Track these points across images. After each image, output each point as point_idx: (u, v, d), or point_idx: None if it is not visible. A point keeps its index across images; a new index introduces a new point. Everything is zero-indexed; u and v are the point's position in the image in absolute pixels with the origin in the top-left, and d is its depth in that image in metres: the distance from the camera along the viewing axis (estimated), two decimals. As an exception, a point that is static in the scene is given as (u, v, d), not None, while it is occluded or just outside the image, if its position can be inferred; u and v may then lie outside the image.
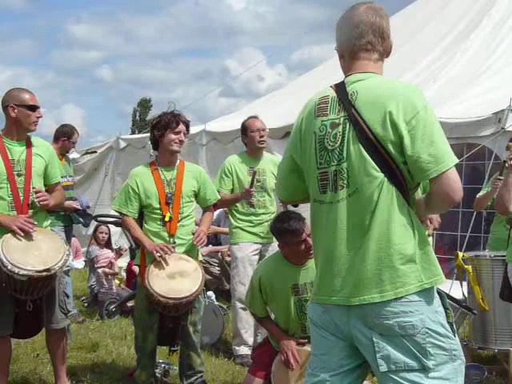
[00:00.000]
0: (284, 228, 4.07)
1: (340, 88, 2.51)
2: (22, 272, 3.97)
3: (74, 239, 11.07)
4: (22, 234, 4.13)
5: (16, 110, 4.28)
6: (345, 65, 2.60)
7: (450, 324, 2.44)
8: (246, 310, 5.49)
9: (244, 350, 5.53)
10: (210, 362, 5.35)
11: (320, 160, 2.50)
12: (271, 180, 5.59)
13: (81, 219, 6.78)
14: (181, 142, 4.56)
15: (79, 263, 10.88)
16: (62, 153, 6.96)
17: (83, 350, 5.68)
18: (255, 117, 5.72)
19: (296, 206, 3.23)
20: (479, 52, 8.59)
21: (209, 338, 5.81)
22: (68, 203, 6.66)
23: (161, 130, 4.54)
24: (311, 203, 2.60)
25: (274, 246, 5.30)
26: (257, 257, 5.56)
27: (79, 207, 6.67)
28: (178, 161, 4.69)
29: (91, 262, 8.12)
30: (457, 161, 2.36)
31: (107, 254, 8.08)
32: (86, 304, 7.83)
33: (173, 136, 4.52)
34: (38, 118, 4.37)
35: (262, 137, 5.58)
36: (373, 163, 2.36)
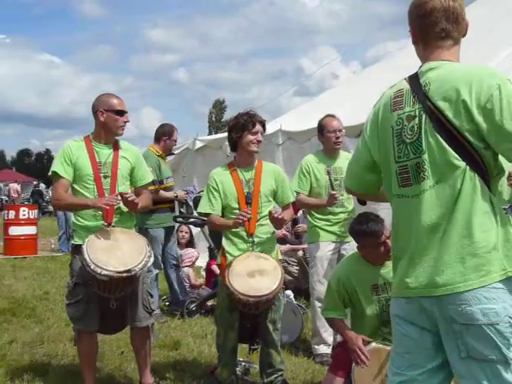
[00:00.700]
0: (363, 230, 4.06)
1: (413, 80, 2.50)
2: (103, 272, 4.09)
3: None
4: (108, 208, 4.27)
5: (105, 115, 4.44)
6: (419, 52, 2.59)
7: None
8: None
9: (323, 349, 5.52)
10: (290, 360, 5.37)
11: (399, 154, 2.50)
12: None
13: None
14: (259, 142, 4.60)
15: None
16: (166, 153, 7.22)
17: (165, 349, 5.80)
18: (332, 116, 5.68)
19: (363, 203, 3.18)
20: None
21: (288, 336, 5.82)
22: (180, 194, 7.12)
23: (238, 132, 4.60)
24: (391, 198, 2.60)
25: (353, 245, 5.27)
26: (335, 255, 5.54)
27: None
28: (256, 161, 4.73)
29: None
30: None
31: (191, 253, 8.23)
32: (167, 303, 7.98)
33: (251, 137, 4.57)
34: (125, 122, 4.52)
35: (338, 138, 5.55)
36: (453, 153, 2.36)
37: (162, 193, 6.90)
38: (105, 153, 4.48)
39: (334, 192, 5.35)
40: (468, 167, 2.35)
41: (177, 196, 7.07)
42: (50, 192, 22.31)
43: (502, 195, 2.50)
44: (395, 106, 2.52)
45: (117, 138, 4.59)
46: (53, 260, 12.95)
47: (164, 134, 7.10)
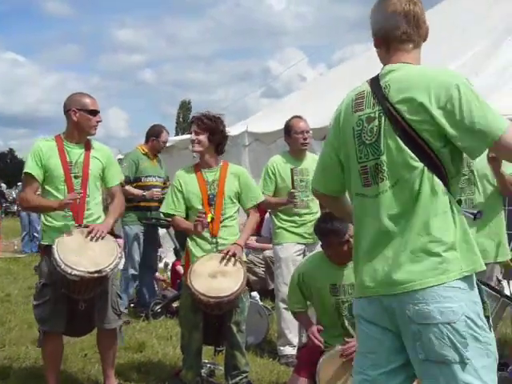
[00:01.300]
0: (327, 228, 4.08)
1: (374, 82, 2.53)
2: (74, 272, 4.05)
3: (120, 240, 11.28)
4: (71, 202, 4.22)
5: (77, 114, 4.39)
6: (381, 55, 2.61)
7: (487, 318, 2.42)
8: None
9: (289, 350, 5.53)
10: (255, 362, 5.37)
11: (360, 154, 2.52)
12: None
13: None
14: (193, 141, 4.61)
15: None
16: (153, 153, 7.29)
17: (130, 351, 5.76)
18: (299, 117, 5.69)
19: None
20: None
21: (253, 338, 5.83)
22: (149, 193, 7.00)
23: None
24: (353, 197, 2.63)
25: (318, 247, 5.29)
26: (300, 257, 5.53)
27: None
28: (221, 162, 4.72)
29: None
30: (508, 123, 2.33)
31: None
32: (132, 305, 7.91)
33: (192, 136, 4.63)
34: (98, 122, 4.47)
35: (305, 139, 5.57)
36: (411, 153, 2.38)
37: (129, 188, 6.90)
38: (76, 152, 4.43)
39: (293, 190, 5.37)
40: (426, 168, 2.37)
41: (144, 195, 7.03)
42: (14, 192, 21.99)
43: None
44: (356, 108, 2.55)
45: (88, 137, 4.53)
46: (15, 261, 12.76)
47: (152, 135, 7.23)
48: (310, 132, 5.67)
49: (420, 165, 2.37)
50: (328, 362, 4.01)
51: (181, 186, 4.62)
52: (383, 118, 2.44)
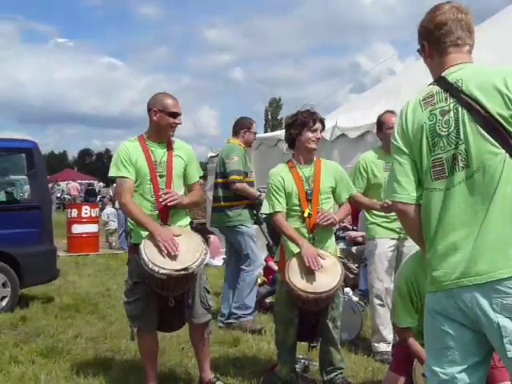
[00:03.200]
0: None
1: (441, 81, 2.56)
2: (161, 271, 4.12)
3: (213, 237, 11.47)
4: (163, 247, 4.20)
5: (158, 115, 4.45)
6: (434, 65, 2.67)
7: None
8: (384, 307, 5.44)
9: (383, 347, 5.49)
10: (350, 358, 5.35)
11: (433, 148, 2.52)
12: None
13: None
14: (318, 139, 4.61)
15: (218, 261, 11.27)
16: (247, 145, 7.09)
17: (225, 345, 5.86)
18: (391, 112, 5.60)
19: None
20: None
21: (347, 334, 5.81)
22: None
23: (298, 129, 4.61)
24: (424, 193, 2.59)
25: (411, 241, 5.20)
26: (394, 253, 5.48)
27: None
28: (315, 158, 4.73)
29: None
30: None
31: None
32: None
33: (310, 134, 4.59)
34: (177, 124, 4.51)
35: None
36: (492, 140, 2.38)
37: (246, 187, 6.68)
38: (159, 152, 4.51)
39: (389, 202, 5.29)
40: (508, 155, 2.36)
41: (260, 195, 6.66)
42: (110, 191, 22.73)
43: None
44: (426, 105, 2.57)
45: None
46: (114, 257, 13.23)
47: (242, 127, 6.98)
48: None
49: (502, 151, 2.37)
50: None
51: (279, 183, 4.61)
52: (460, 109, 2.45)
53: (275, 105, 63.06)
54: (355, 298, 6.51)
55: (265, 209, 4.71)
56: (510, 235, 2.33)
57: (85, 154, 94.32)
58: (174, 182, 4.51)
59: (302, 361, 5.05)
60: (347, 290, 6.41)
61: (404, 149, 2.62)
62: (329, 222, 4.52)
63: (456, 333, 2.47)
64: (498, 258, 2.32)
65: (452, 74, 2.53)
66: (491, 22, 10.97)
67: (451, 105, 2.48)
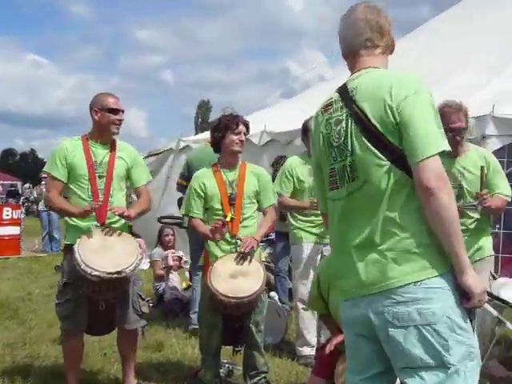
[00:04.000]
0: None
1: (342, 88, 2.56)
2: (93, 273, 4.06)
3: (140, 240, 11.30)
4: (91, 211, 4.26)
5: (99, 114, 4.42)
6: (349, 65, 2.64)
7: (470, 320, 2.35)
8: (308, 311, 5.49)
9: (307, 351, 5.53)
10: (274, 362, 5.37)
11: (328, 157, 2.55)
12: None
13: None
14: (241, 142, 4.61)
15: (144, 264, 11.10)
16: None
17: (149, 350, 5.78)
18: None
19: None
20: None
21: (272, 338, 5.82)
22: None
23: (221, 132, 4.61)
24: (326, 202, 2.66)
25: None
26: (318, 257, 5.54)
27: None
28: (240, 162, 4.73)
29: (152, 265, 8.22)
30: (439, 150, 2.29)
31: (167, 252, 8.14)
32: (151, 305, 7.94)
33: (233, 137, 4.58)
34: (120, 121, 4.47)
35: None
36: (377, 153, 2.37)
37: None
38: (101, 152, 4.46)
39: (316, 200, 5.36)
40: (394, 166, 2.35)
41: None
42: (35, 192, 22.15)
43: None
44: (325, 113, 2.59)
45: (114, 137, 4.55)
46: (36, 260, 12.88)
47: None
48: None
49: (387, 163, 2.36)
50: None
51: (200, 187, 4.63)
52: (350, 120, 2.46)
53: (204, 107, 62.92)
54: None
55: (182, 209, 4.73)
56: (399, 246, 2.33)
57: (8, 153, 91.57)
58: (114, 184, 4.45)
59: (226, 365, 5.04)
60: (272, 293, 6.45)
61: (313, 156, 2.71)
62: (250, 247, 4.50)
63: (357, 342, 2.50)
64: (387, 269, 2.33)
65: (352, 82, 2.53)
66: (420, 31, 11.29)
67: (344, 115, 2.49)
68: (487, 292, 2.45)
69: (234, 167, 4.68)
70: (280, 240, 7.29)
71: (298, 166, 5.61)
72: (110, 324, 4.59)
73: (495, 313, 3.05)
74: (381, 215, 2.37)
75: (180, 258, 8.21)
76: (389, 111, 2.34)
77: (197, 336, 5.41)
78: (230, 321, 4.63)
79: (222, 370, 4.90)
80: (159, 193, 11.68)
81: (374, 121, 2.37)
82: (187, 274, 8.61)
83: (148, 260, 9.07)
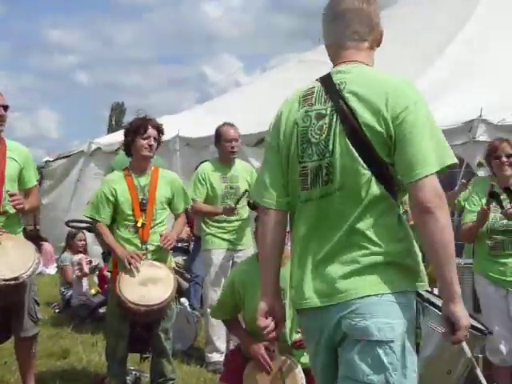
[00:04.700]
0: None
1: (326, 79, 2.35)
2: None
3: (46, 244, 11.00)
4: None
5: None
6: (332, 54, 2.45)
7: (417, 344, 2.29)
8: (219, 317, 5.49)
9: (216, 357, 5.52)
10: (182, 369, 5.33)
11: (302, 153, 2.32)
12: (244, 186, 5.62)
13: None
14: (150, 146, 4.53)
15: (51, 269, 10.81)
16: None
17: (53, 358, 5.63)
18: (230, 124, 5.71)
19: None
20: (452, 61, 8.66)
21: (181, 344, 5.79)
22: None
23: (131, 136, 4.53)
24: (296, 203, 2.41)
25: (247, 253, 5.33)
26: (229, 263, 5.56)
27: None
28: (152, 167, 4.67)
29: (62, 270, 8.00)
30: (443, 165, 2.17)
31: (78, 257, 7.95)
32: (57, 310, 7.74)
33: (142, 141, 4.50)
34: (1, 116, 4.27)
35: (233, 147, 5.59)
36: (361, 160, 2.20)
37: None
38: None
39: (234, 206, 5.41)
40: (374, 177, 2.20)
41: None
42: None
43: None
44: (304, 103, 2.35)
45: (5, 138, 4.36)
46: None
47: None
48: (239, 140, 5.71)
49: (368, 173, 2.20)
50: (254, 369, 4.00)
51: (110, 192, 4.52)
52: (336, 117, 2.25)
53: (119, 110, 61.92)
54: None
55: (86, 211, 4.62)
56: (362, 259, 2.21)
57: None
58: (6, 186, 4.25)
59: (134, 373, 4.97)
60: (183, 300, 6.41)
61: (276, 148, 2.41)
62: (169, 243, 4.46)
63: (319, 353, 2.38)
64: (350, 281, 2.22)
65: (338, 74, 2.31)
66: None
67: (328, 109, 2.27)
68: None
69: (146, 172, 4.61)
70: (196, 245, 7.24)
71: (210, 172, 5.62)
72: (7, 332, 4.41)
73: (469, 354, 3.05)
74: (351, 225, 2.23)
75: (91, 262, 8.03)
76: (382, 121, 2.18)
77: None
78: (139, 328, 4.55)
79: (128, 378, 4.83)
80: (68, 196, 11.41)
81: (363, 125, 2.19)
82: (96, 279, 8.45)
83: (55, 265, 8.85)
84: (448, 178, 7.24)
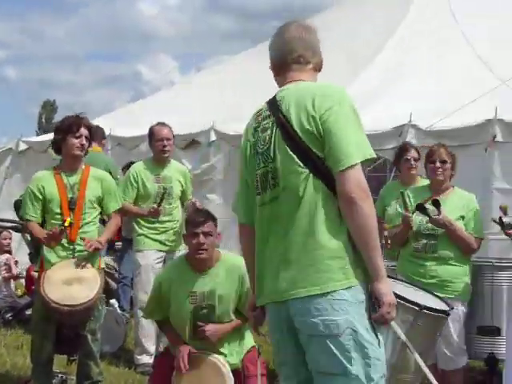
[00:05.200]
0: (187, 219, 4.21)
1: (271, 99, 2.62)
2: None
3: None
4: None
5: None
6: (280, 81, 2.69)
7: (377, 334, 2.42)
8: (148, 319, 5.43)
9: (145, 359, 5.47)
10: (110, 371, 5.25)
11: (254, 164, 2.59)
12: (177, 187, 5.61)
13: None
14: (82, 146, 4.45)
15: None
16: None
17: (-25, 361, 5.45)
18: (163, 124, 5.69)
19: None
20: (383, 68, 8.85)
21: (110, 346, 5.70)
22: None
23: (62, 134, 4.45)
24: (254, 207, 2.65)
25: (178, 254, 5.29)
26: (160, 265, 5.51)
27: None
28: (83, 166, 4.59)
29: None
30: (363, 158, 2.38)
31: (5, 258, 7.73)
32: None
33: (74, 140, 4.42)
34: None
35: (165, 147, 5.57)
36: (297, 160, 2.42)
37: None
38: None
39: (159, 209, 5.38)
40: (312, 174, 2.41)
41: None
42: None
43: None
44: (254, 121, 2.65)
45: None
46: None
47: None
48: (172, 140, 5.67)
49: (305, 171, 2.41)
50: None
51: (38, 190, 4.43)
52: (275, 127, 2.52)
53: (49, 108, 60.58)
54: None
55: (22, 212, 4.55)
56: (311, 256, 2.37)
57: None
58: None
59: (59, 375, 4.86)
60: (112, 301, 6.32)
61: (240, 165, 2.72)
62: (92, 248, 4.39)
63: (282, 346, 2.54)
64: (297, 278, 2.38)
65: (281, 92, 2.59)
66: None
67: (270, 123, 2.55)
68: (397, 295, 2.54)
69: (76, 171, 4.52)
70: (125, 246, 7.16)
71: (143, 172, 5.58)
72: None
73: (403, 337, 3.13)
74: (296, 224, 2.42)
75: (17, 263, 7.81)
76: (311, 120, 2.41)
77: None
78: (65, 329, 4.46)
79: (54, 381, 4.72)
80: (-5, 194, 11.10)
81: (296, 128, 2.43)
82: (23, 280, 8.23)
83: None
84: (376, 180, 7.41)
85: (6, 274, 7.39)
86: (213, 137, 8.36)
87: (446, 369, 4.48)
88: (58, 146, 4.52)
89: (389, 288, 2.39)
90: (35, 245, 6.61)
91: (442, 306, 3.91)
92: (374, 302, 2.37)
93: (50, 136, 10.68)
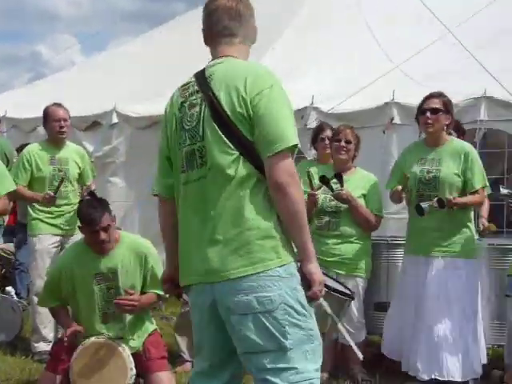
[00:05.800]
0: (81, 216, 4.04)
1: (200, 73, 2.57)
2: None
3: None
4: None
5: None
6: (211, 52, 2.64)
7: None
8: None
9: (43, 346, 5.31)
10: (6, 361, 5.09)
11: (179, 140, 2.54)
12: (74, 170, 5.48)
13: None
14: None
15: None
16: None
17: None
18: (58, 104, 5.54)
19: None
20: (284, 52, 8.89)
21: (5, 335, 5.56)
22: None
23: None
24: (176, 184, 2.62)
25: (75, 238, 5.16)
26: (57, 249, 5.36)
27: None
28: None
29: None
30: (289, 145, 2.37)
31: None
32: None
33: None
34: None
35: (62, 128, 5.41)
36: (227, 141, 2.40)
37: None
38: None
39: (54, 196, 5.23)
40: (242, 156, 2.40)
41: None
42: None
43: None
44: (181, 95, 2.58)
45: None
46: None
47: None
48: (69, 121, 5.52)
49: (235, 153, 2.40)
50: (81, 356, 3.91)
51: None
52: (204, 105, 2.47)
53: None
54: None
55: None
56: (241, 236, 2.38)
57: None
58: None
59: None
60: (9, 288, 6.14)
61: (164, 137, 2.65)
62: None
63: (203, 327, 2.55)
64: (228, 259, 2.38)
65: (211, 68, 2.53)
66: (172, 26, 11.41)
67: (198, 99, 2.49)
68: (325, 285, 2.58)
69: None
70: (21, 231, 6.91)
71: (37, 154, 5.41)
72: None
73: (329, 310, 3.19)
74: (224, 204, 2.40)
75: None
76: (242, 102, 2.39)
77: None
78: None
79: None
80: None
81: (226, 108, 2.40)
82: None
83: None
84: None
85: None
86: (115, 119, 8.19)
87: (345, 343, 4.60)
88: None
89: (318, 267, 2.46)
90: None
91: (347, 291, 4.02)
92: (304, 280, 2.43)
93: None
